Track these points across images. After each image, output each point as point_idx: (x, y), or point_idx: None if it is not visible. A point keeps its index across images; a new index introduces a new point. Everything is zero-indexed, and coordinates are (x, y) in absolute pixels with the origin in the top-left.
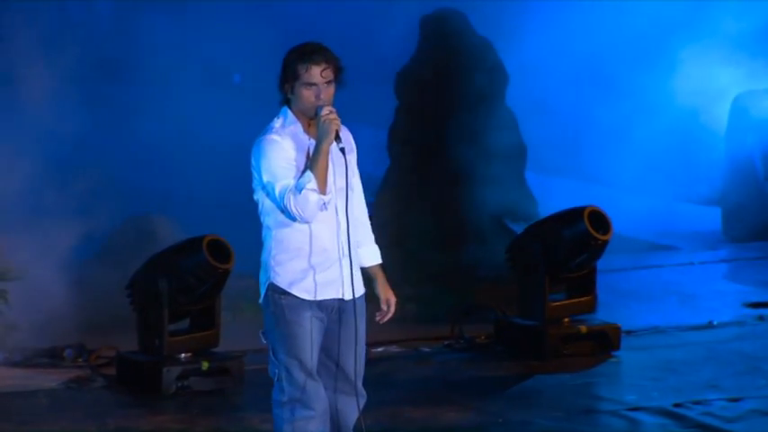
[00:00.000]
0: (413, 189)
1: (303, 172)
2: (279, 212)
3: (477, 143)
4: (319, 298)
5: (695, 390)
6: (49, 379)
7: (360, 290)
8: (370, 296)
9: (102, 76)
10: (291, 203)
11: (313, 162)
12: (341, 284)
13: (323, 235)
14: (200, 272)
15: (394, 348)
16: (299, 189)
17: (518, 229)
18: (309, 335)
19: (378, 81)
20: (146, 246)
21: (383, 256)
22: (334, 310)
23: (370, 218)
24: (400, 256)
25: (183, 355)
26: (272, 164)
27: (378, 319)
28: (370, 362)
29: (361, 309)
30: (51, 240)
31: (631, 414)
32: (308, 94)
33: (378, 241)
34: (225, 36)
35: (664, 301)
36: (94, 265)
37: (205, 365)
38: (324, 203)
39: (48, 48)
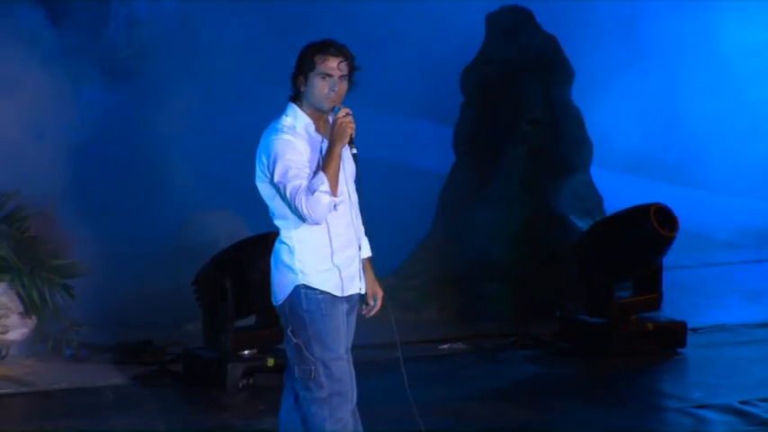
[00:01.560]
0: (478, 186)
1: (315, 173)
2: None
3: (542, 140)
4: (347, 294)
5: (761, 387)
6: (116, 375)
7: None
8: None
9: (165, 73)
10: (303, 204)
11: (326, 164)
12: (359, 278)
13: (342, 233)
14: (265, 268)
15: (460, 345)
16: (311, 191)
17: (584, 226)
18: (342, 327)
19: (444, 77)
20: (212, 242)
21: (450, 253)
22: (352, 304)
23: (435, 214)
24: (466, 253)
25: (248, 351)
26: (283, 164)
27: (364, 312)
28: (436, 358)
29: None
30: (117, 237)
31: (698, 411)
32: (322, 85)
33: (443, 238)
34: (287, 35)
35: (730, 298)
36: (160, 261)
37: (271, 362)
38: (335, 205)
39: (115, 44)
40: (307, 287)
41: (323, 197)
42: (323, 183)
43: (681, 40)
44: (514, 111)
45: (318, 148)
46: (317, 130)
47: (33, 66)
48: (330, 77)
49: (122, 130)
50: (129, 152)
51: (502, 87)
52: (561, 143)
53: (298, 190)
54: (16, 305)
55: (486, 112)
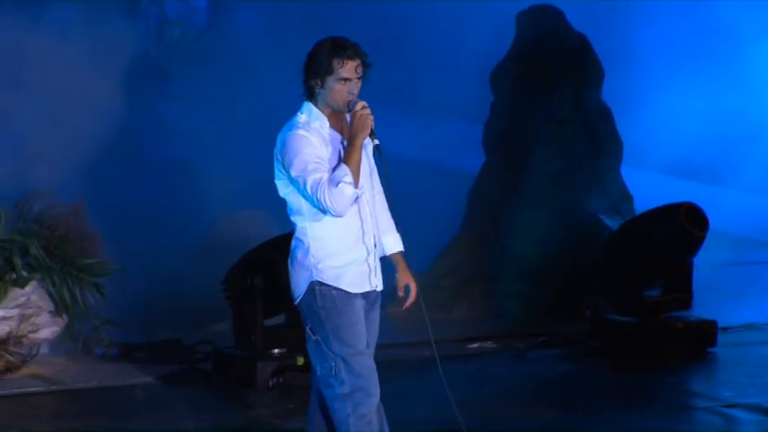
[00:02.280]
0: (508, 185)
1: (336, 166)
2: (316, 211)
3: (572, 139)
4: (362, 290)
5: None
6: (146, 374)
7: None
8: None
9: (194, 71)
10: (326, 196)
11: (348, 156)
12: (374, 276)
13: (355, 229)
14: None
15: (489, 344)
16: (334, 183)
17: (614, 225)
18: (360, 322)
19: (474, 76)
20: (241, 241)
21: (479, 252)
22: (370, 301)
23: (465, 214)
24: (495, 252)
25: (278, 350)
26: (302, 159)
27: (405, 306)
28: (466, 358)
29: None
30: (148, 236)
31: (727, 411)
32: (341, 89)
33: (473, 237)
34: (316, 33)
35: (760, 297)
36: (190, 260)
37: (300, 360)
38: (357, 196)
39: (145, 44)
40: (321, 284)
41: (346, 188)
42: (346, 174)
43: (710, 39)
44: (544, 110)
45: (336, 145)
46: (333, 126)
47: (64, 65)
48: (349, 81)
49: (153, 129)
50: (160, 151)
51: (532, 86)
52: (591, 142)
53: (319, 183)
54: (47, 304)
55: (516, 111)
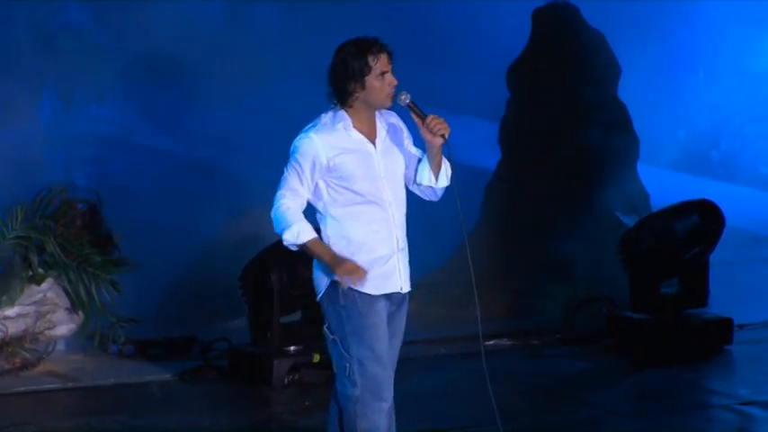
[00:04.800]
0: (524, 182)
1: (329, 169)
2: (338, 206)
3: (589, 136)
4: (383, 292)
5: None
6: (162, 371)
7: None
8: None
9: (211, 69)
10: (276, 211)
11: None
12: (399, 277)
13: (380, 229)
14: (312, 264)
15: (504, 341)
16: (289, 223)
17: (630, 222)
18: (381, 324)
19: (490, 74)
20: (258, 238)
21: (495, 249)
22: (398, 303)
23: (482, 208)
24: (512, 249)
25: (294, 347)
26: (292, 164)
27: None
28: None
29: (408, 301)
30: (164, 233)
31: (744, 408)
32: (382, 85)
33: (489, 233)
34: (331, 33)
35: None
36: (206, 257)
37: (316, 358)
38: (363, 203)
39: (160, 42)
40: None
41: (286, 236)
42: (298, 236)
43: (726, 37)
44: (560, 107)
45: (359, 146)
46: (359, 128)
47: (80, 61)
48: (386, 74)
49: (170, 127)
50: (177, 148)
51: (548, 84)
52: (607, 139)
53: (280, 199)
54: (63, 301)
55: (532, 108)
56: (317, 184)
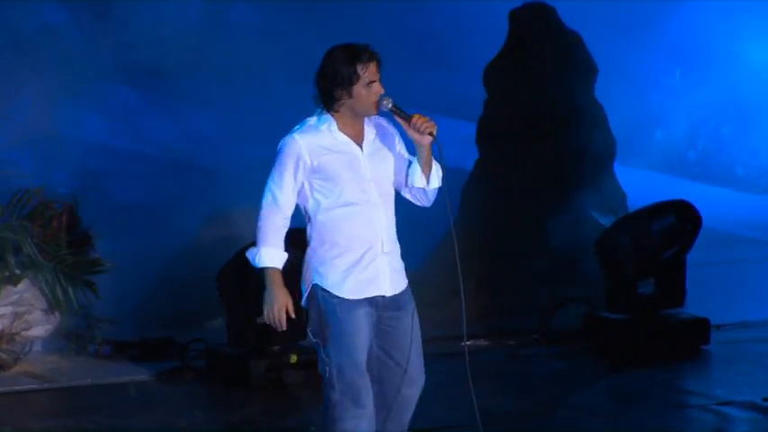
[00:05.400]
0: (501, 182)
1: (315, 170)
2: (322, 210)
3: (565, 136)
4: (363, 296)
5: None
6: (139, 371)
7: (402, 286)
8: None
9: (191, 70)
10: (262, 213)
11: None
12: (382, 281)
13: (363, 232)
14: (287, 264)
15: (481, 342)
16: (257, 243)
17: (607, 222)
18: (360, 332)
19: (467, 74)
20: (235, 238)
21: (472, 250)
22: (386, 307)
23: (459, 208)
24: (489, 249)
25: (271, 347)
26: (276, 165)
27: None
28: (459, 355)
29: (411, 301)
30: (140, 233)
31: (720, 408)
32: (368, 93)
33: (465, 233)
34: (313, 30)
35: (753, 294)
36: (183, 257)
37: (293, 358)
38: (349, 205)
39: (138, 42)
40: (323, 289)
41: (249, 253)
42: (260, 258)
43: (702, 37)
44: (537, 107)
45: (343, 148)
46: (344, 130)
47: (57, 61)
48: (374, 83)
49: (147, 127)
50: (153, 149)
51: (524, 84)
52: (584, 140)
53: (267, 201)
54: (40, 302)
55: (509, 108)
56: (302, 186)
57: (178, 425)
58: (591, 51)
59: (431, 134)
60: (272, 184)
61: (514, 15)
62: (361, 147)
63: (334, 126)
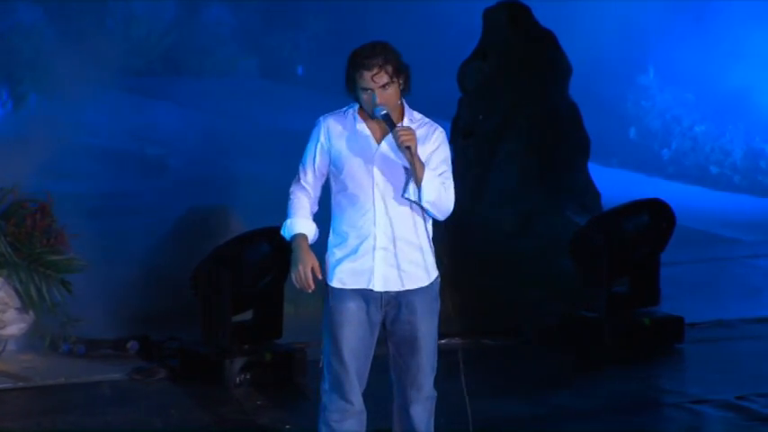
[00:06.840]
0: (475, 181)
1: (300, 218)
2: (333, 194)
3: (539, 135)
4: (349, 287)
5: (759, 382)
6: (113, 370)
7: (398, 286)
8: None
9: (164, 69)
10: (290, 189)
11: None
12: (372, 275)
13: (358, 222)
14: (263, 263)
15: (456, 341)
16: (287, 216)
17: (581, 221)
18: (347, 324)
19: (441, 73)
20: (209, 237)
21: (447, 249)
22: (386, 304)
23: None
24: (463, 248)
25: (245, 346)
26: (307, 148)
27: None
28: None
29: (420, 303)
30: (115, 232)
31: (695, 407)
32: (366, 99)
33: (441, 233)
34: (285, 30)
35: (728, 293)
36: (158, 256)
37: (268, 357)
38: (352, 195)
39: (112, 41)
40: (324, 275)
41: (283, 227)
42: (291, 229)
43: (677, 37)
44: (512, 106)
45: (358, 136)
46: (363, 118)
47: (31, 61)
48: (369, 90)
49: (121, 126)
50: (128, 147)
51: (499, 83)
52: (558, 139)
53: (292, 186)
54: (14, 300)
55: (484, 107)
56: (329, 169)
57: (153, 424)
58: (564, 50)
59: (408, 148)
60: (300, 163)
61: (489, 14)
62: (379, 141)
63: (358, 114)
